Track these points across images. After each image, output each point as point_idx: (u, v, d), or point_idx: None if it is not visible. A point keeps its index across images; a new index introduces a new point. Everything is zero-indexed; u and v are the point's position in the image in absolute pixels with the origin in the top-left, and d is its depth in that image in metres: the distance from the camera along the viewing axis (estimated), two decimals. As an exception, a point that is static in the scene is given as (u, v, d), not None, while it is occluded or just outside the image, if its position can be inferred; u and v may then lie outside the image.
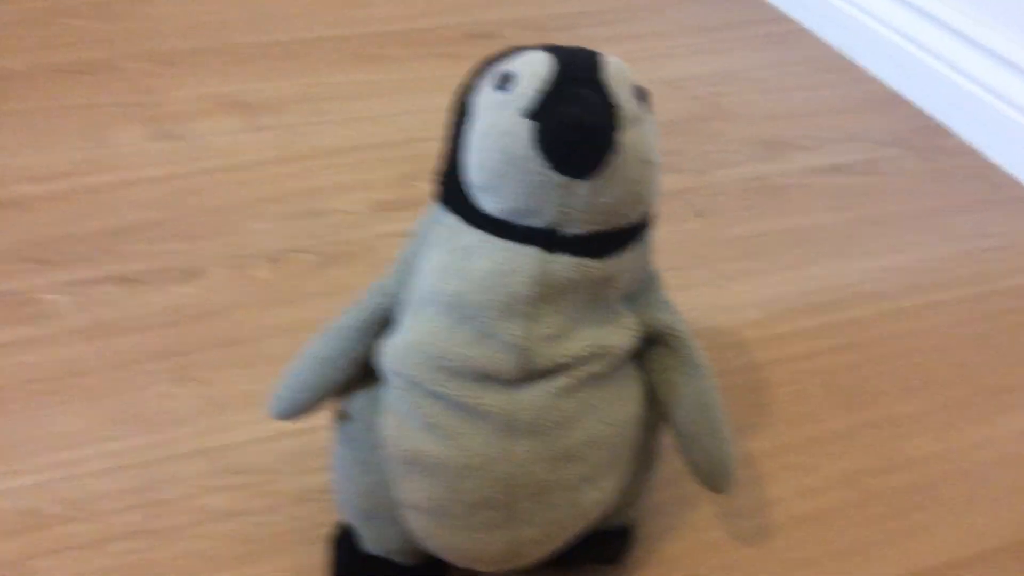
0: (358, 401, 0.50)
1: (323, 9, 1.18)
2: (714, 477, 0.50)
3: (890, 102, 1.06)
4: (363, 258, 0.78)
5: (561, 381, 0.45)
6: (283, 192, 0.85)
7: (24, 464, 0.60)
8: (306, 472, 0.60)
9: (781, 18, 1.23)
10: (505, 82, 0.42)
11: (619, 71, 0.42)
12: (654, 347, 0.50)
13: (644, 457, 0.52)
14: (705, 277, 0.78)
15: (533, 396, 0.45)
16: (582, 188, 0.41)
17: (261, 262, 0.77)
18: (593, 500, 0.49)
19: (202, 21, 1.14)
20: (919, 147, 0.97)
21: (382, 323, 0.48)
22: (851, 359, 0.70)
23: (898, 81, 1.07)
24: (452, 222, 0.45)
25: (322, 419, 0.63)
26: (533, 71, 0.41)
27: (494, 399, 0.45)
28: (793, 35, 1.19)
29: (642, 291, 0.49)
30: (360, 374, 0.49)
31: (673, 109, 1.02)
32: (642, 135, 0.42)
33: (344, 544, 0.53)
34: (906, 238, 0.84)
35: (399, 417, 0.47)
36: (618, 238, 0.44)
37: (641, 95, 0.43)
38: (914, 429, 0.65)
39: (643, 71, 1.09)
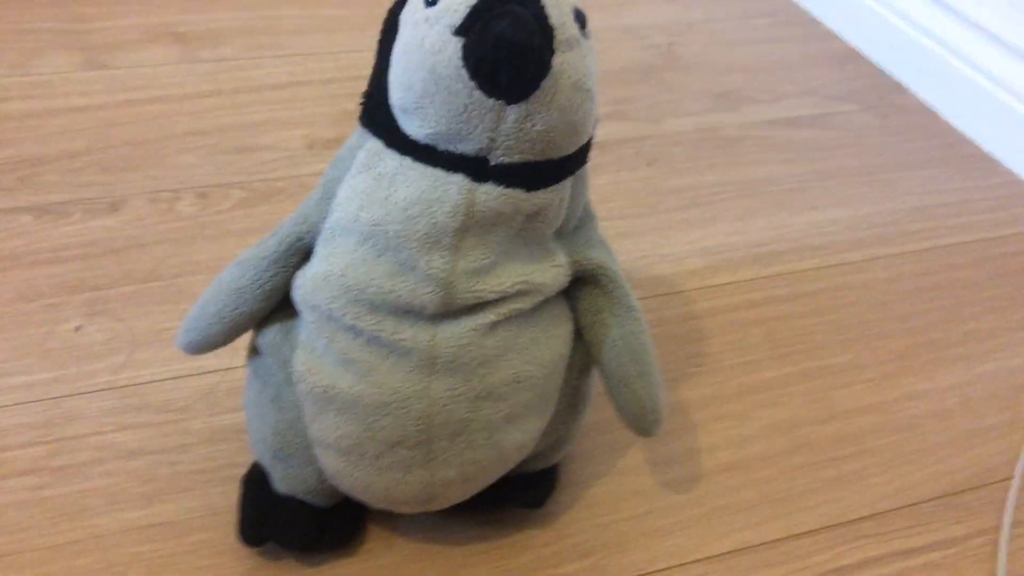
0: (270, 335, 0.47)
1: (271, -58, 1.14)
2: (642, 420, 0.48)
3: (848, 58, 1.04)
4: (295, 196, 0.75)
5: (485, 317, 0.43)
6: (215, 126, 0.82)
7: (-80, 396, 0.57)
8: (220, 412, 0.57)
9: (743, -30, 1.21)
10: (434, -5, 0.39)
11: (558, -11, 0.39)
12: (585, 287, 0.48)
13: (572, 400, 0.50)
14: (650, 225, 0.76)
15: (455, 332, 0.43)
16: (512, 113, 0.38)
17: (187, 196, 0.74)
18: (515, 441, 0.47)
19: (142, -51, 1.09)
20: (875, 103, 0.96)
21: (299, 253, 0.45)
22: (791, 310, 0.69)
23: (857, 38, 1.06)
24: (375, 146, 0.42)
25: (241, 357, 0.61)
26: None
27: (413, 334, 0.43)
28: (754, -12, 1.17)
29: (576, 229, 0.47)
30: (274, 306, 0.47)
31: (629, 57, 0.99)
32: (579, 60, 0.39)
33: (255, 484, 0.51)
34: (855, 192, 0.82)
35: (313, 352, 0.45)
36: (551, 170, 0.41)
37: (580, 19, 0.40)
38: (850, 380, 0.64)
39: (601, 18, 1.06)
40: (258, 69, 0.90)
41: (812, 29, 1.09)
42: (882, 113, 0.94)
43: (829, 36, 1.08)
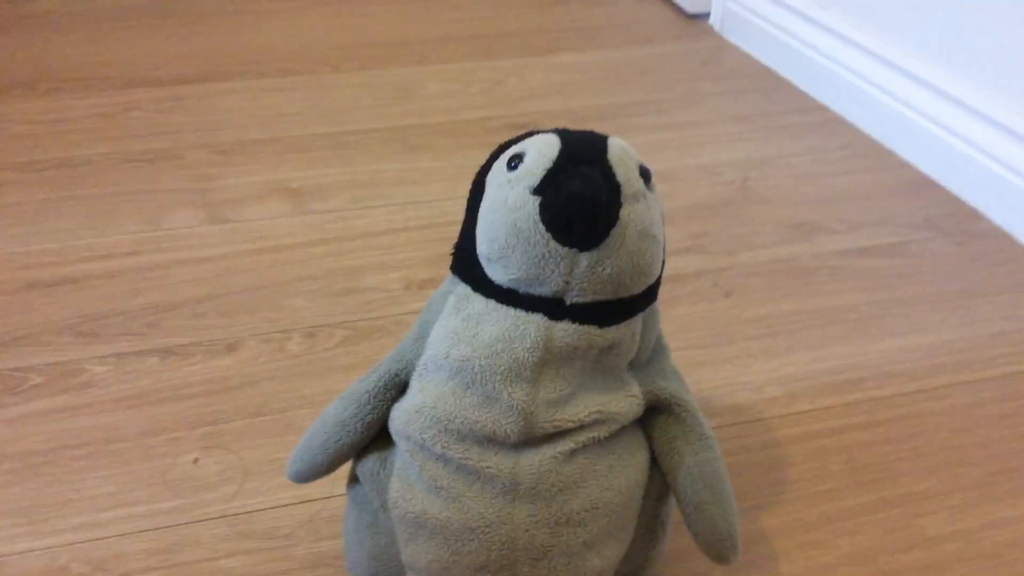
0: (368, 464, 0.52)
1: (374, 104, 1.25)
2: (718, 546, 0.50)
3: (923, 186, 1.06)
4: (395, 333, 0.81)
5: (563, 445, 0.47)
6: (322, 271, 0.89)
7: (54, 525, 0.63)
8: (321, 539, 0.62)
9: (816, 107, 1.26)
10: (516, 161, 0.45)
11: (622, 151, 0.45)
12: (659, 416, 0.51)
13: (650, 526, 0.52)
14: (729, 355, 0.78)
15: (535, 460, 0.47)
16: (584, 259, 0.43)
17: (296, 336, 0.80)
18: (594, 567, 0.49)
19: (260, 114, 1.21)
20: (950, 230, 0.97)
21: (396, 388, 0.50)
22: (872, 437, 0.70)
23: (931, 166, 1.08)
24: (464, 291, 0.48)
25: (341, 486, 0.65)
26: (540, 151, 0.44)
27: (497, 462, 0.47)
28: (827, 123, 1.21)
29: (649, 361, 0.51)
30: (373, 437, 0.51)
31: (705, 194, 1.04)
32: (643, 210, 0.44)
33: (352, 607, 0.54)
34: (932, 319, 0.83)
35: (406, 479, 0.49)
36: (621, 308, 0.46)
37: (645, 174, 0.46)
38: (932, 508, 0.64)
39: (676, 158, 1.11)
40: (361, 219, 0.98)
41: (885, 159, 1.12)
42: (958, 240, 0.96)
43: (902, 165, 1.11)
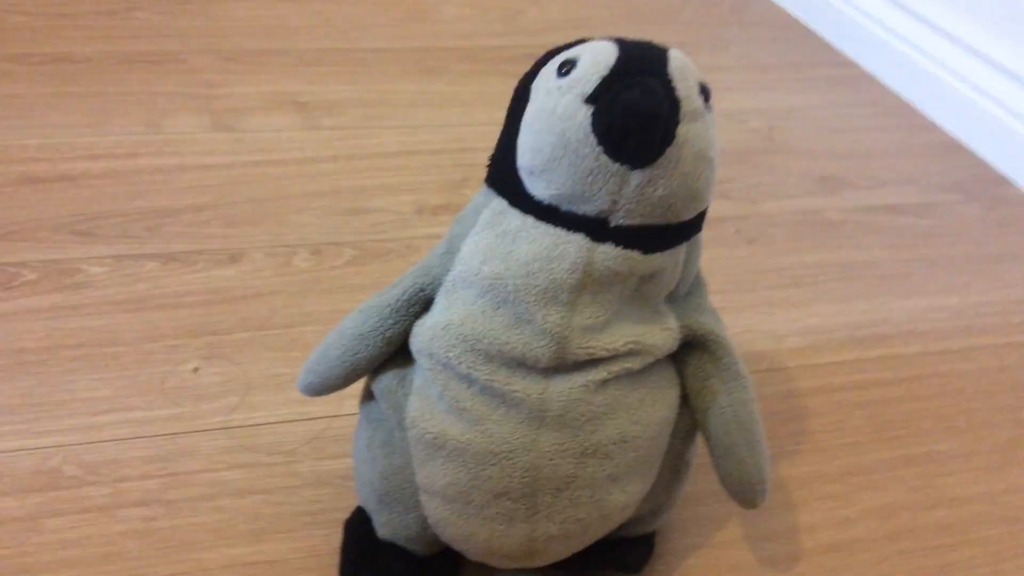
0: (386, 380, 0.49)
1: (389, 22, 1.20)
2: (746, 490, 0.48)
3: (952, 149, 1.03)
4: (404, 256, 0.78)
5: (595, 374, 0.44)
6: (330, 188, 0.86)
7: (48, 425, 0.60)
8: (327, 457, 0.59)
9: (846, 62, 1.22)
10: (567, 68, 0.41)
11: (683, 65, 0.41)
12: (694, 353, 0.48)
13: (675, 466, 0.50)
14: (750, 302, 0.76)
15: (565, 387, 0.44)
16: (636, 177, 0.40)
17: (302, 252, 0.77)
18: (618, 502, 0.47)
19: (269, 24, 1.16)
20: (978, 194, 0.95)
21: (420, 303, 0.47)
22: (895, 394, 0.68)
23: (961, 129, 1.05)
24: (499, 205, 0.44)
25: (347, 405, 0.63)
26: (596, 59, 0.41)
27: (525, 386, 0.44)
28: (857, 79, 1.18)
29: (687, 294, 0.48)
30: (390, 353, 0.49)
31: (730, 139, 1.01)
32: (701, 131, 0.41)
33: (358, 528, 0.52)
34: (959, 280, 0.81)
35: (427, 399, 0.46)
36: (668, 234, 0.43)
37: (705, 92, 0.42)
38: (955, 468, 0.62)
39: (700, 101, 1.08)
40: (372, 138, 0.94)
41: (914, 119, 1.09)
42: (987, 205, 0.93)
43: (931, 127, 1.08)
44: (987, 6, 1.04)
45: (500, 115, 0.41)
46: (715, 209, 0.88)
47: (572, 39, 1.18)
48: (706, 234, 0.84)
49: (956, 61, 1.07)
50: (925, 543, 0.57)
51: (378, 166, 0.90)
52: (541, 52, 0.46)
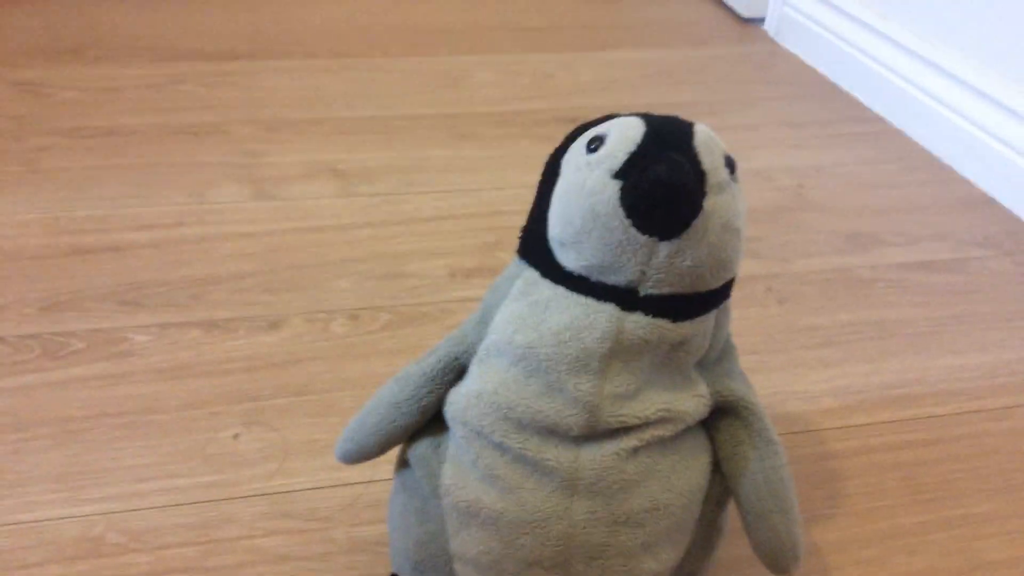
0: (421, 448, 0.50)
1: (423, 90, 1.24)
2: (779, 557, 0.48)
3: (982, 203, 1.03)
4: (438, 320, 0.79)
5: (627, 442, 0.45)
6: (367, 254, 0.88)
7: (92, 493, 0.61)
8: (362, 523, 0.60)
9: (873, 118, 1.23)
10: (596, 144, 0.43)
11: (708, 139, 0.43)
12: (725, 418, 0.49)
13: (707, 532, 0.50)
14: (782, 363, 0.76)
15: (597, 455, 0.45)
16: (664, 249, 0.41)
17: (339, 317, 0.79)
18: (651, 569, 0.48)
19: (308, 95, 1.20)
20: (1010, 249, 0.95)
21: (454, 371, 0.49)
22: (929, 455, 0.68)
23: (991, 183, 1.05)
24: (531, 276, 0.46)
25: (382, 471, 0.64)
26: (624, 134, 0.42)
27: (557, 455, 0.45)
28: (883, 134, 1.19)
29: (717, 360, 0.49)
30: (426, 421, 0.50)
31: (758, 198, 1.02)
32: (728, 202, 0.42)
33: (393, 595, 0.53)
34: (992, 338, 0.81)
35: (461, 466, 0.47)
36: (696, 302, 0.44)
37: (731, 164, 0.44)
38: (992, 531, 0.62)
39: (729, 161, 1.09)
40: (407, 203, 0.97)
41: (942, 174, 1.09)
42: (1017, 259, 0.93)
43: (960, 181, 1.08)
44: (1014, 60, 1.04)
45: (532, 178, 0.43)
46: (746, 268, 0.89)
47: (601, 101, 1.21)
48: (737, 294, 0.85)
49: (984, 115, 1.07)
50: (964, 609, 0.57)
51: (413, 231, 0.92)
52: (571, 114, 0.48)
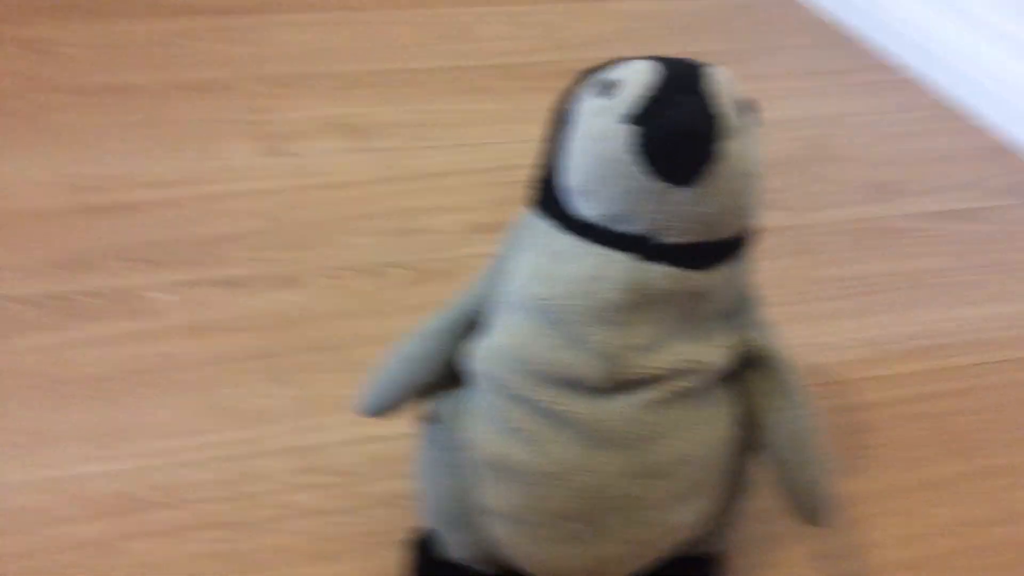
0: (448, 403, 0.49)
1: (433, 42, 1.21)
2: (809, 508, 0.48)
3: (1006, 152, 1.02)
4: (456, 275, 0.79)
5: (650, 394, 0.44)
6: (383, 210, 0.87)
7: (122, 450, 0.61)
8: (391, 477, 0.60)
9: (893, 67, 1.21)
10: (607, 89, 0.41)
11: (724, 82, 0.41)
12: (752, 369, 0.48)
13: (736, 483, 0.50)
14: (806, 313, 0.76)
15: (620, 407, 0.44)
16: (680, 196, 0.40)
17: (358, 274, 0.78)
18: (682, 520, 0.47)
19: (317, 48, 1.18)
20: (1038, 197, 0.93)
21: (470, 325, 0.48)
22: (959, 405, 0.67)
23: (1015, 131, 1.04)
24: (545, 226, 0.44)
25: (405, 425, 0.63)
26: (636, 78, 0.41)
27: (581, 406, 0.44)
28: (904, 84, 1.17)
29: (739, 310, 0.48)
30: (447, 375, 0.49)
31: (778, 149, 1.00)
32: (745, 147, 0.41)
33: (423, 549, 0.53)
34: (1019, 288, 0.80)
35: (485, 420, 0.47)
36: (716, 251, 0.43)
37: (747, 107, 0.42)
38: (1026, 481, 0.61)
39: (748, 111, 1.07)
40: (421, 158, 0.96)
41: (966, 123, 1.08)
42: (1047, 208, 0.92)
43: (984, 130, 1.06)
44: (1040, 6, 1.02)
45: (540, 130, 0.42)
46: (771, 219, 0.87)
47: (615, 52, 1.18)
48: (763, 245, 0.83)
49: (1002, 61, 1.05)
50: (998, 559, 0.56)
51: (427, 186, 0.91)
52: (584, 66, 0.46)
